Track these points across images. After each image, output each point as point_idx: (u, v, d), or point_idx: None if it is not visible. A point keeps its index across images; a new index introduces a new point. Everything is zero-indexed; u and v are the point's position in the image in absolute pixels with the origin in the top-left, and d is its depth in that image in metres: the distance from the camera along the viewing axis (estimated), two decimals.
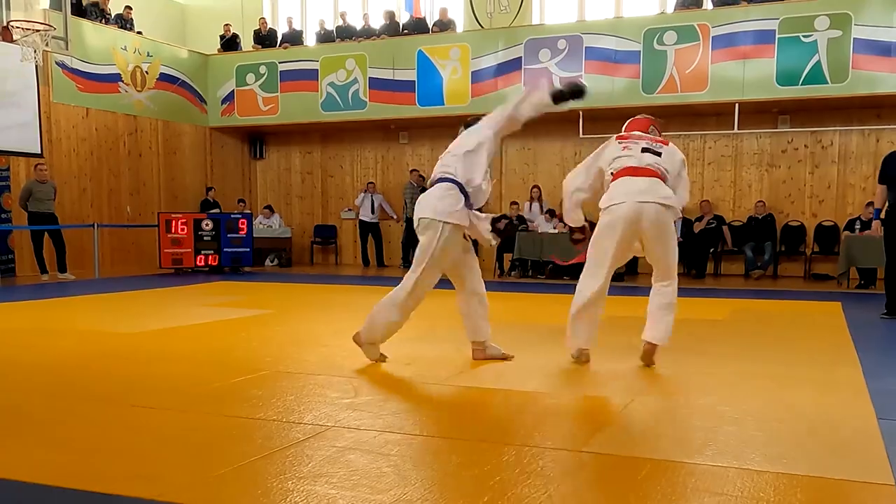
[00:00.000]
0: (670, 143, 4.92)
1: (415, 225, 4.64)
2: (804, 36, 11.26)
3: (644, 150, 4.75)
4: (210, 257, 12.77)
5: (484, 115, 4.94)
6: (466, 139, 4.71)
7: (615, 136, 5.02)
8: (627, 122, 5.24)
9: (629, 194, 4.54)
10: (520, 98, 4.77)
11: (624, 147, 4.81)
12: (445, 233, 4.44)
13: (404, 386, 4.25)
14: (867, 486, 2.63)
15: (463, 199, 4.47)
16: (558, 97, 4.73)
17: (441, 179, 4.56)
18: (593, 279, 4.66)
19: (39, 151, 12.27)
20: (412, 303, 4.59)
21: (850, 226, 11.46)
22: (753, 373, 4.57)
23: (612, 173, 4.75)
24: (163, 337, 6.00)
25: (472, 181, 4.50)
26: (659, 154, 4.75)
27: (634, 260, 13.10)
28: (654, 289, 4.76)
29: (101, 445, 3.07)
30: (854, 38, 11.01)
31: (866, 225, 11.10)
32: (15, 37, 9.31)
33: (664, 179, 4.66)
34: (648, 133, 4.98)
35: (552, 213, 12.88)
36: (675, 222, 4.82)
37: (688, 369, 4.70)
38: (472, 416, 3.61)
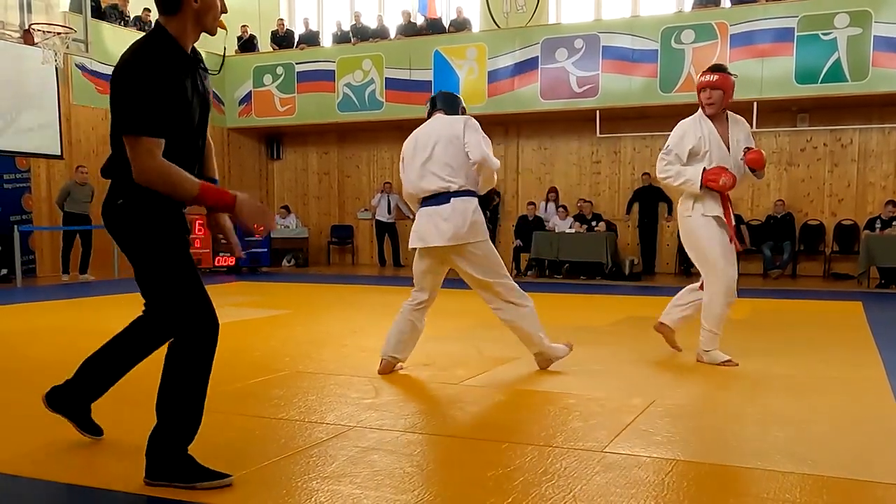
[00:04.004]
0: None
1: None
2: (823, 34, 11.17)
3: None
4: (228, 258, 12.84)
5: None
6: None
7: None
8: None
9: None
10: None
11: None
12: None
13: (424, 386, 4.26)
14: (894, 488, 2.61)
15: None
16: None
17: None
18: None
19: (60, 153, 12.39)
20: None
21: (870, 225, 11.35)
22: (775, 373, 4.55)
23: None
24: None
25: None
26: None
27: (652, 259, 13.13)
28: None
29: (126, 446, 3.09)
30: (874, 36, 10.91)
31: (886, 224, 11.01)
32: (36, 39, 9.39)
33: None
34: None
35: (566, 210, 12.88)
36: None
37: (708, 369, 4.68)
38: (494, 416, 3.61)
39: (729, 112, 4.85)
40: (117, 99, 2.53)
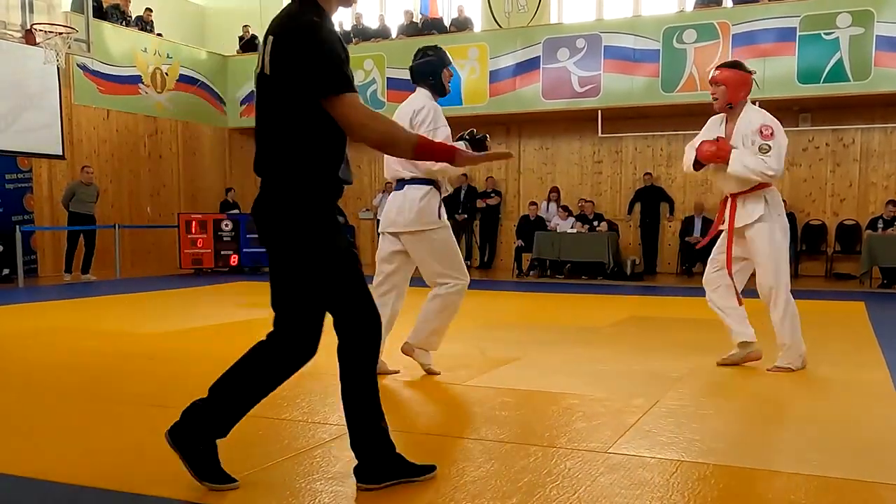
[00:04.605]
0: None
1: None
2: (826, 33, 11.16)
3: None
4: (230, 257, 12.84)
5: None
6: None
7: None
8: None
9: None
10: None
11: None
12: None
13: (427, 387, 4.25)
14: None
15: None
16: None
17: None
18: None
19: (61, 153, 12.39)
20: None
21: (872, 225, 11.34)
22: (778, 373, 4.54)
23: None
24: (184, 337, 6.03)
25: None
26: None
27: (654, 259, 13.09)
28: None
29: (128, 446, 3.09)
30: (876, 36, 10.90)
31: (889, 223, 10.99)
32: (37, 40, 9.40)
33: None
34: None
35: (568, 210, 12.87)
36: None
37: (712, 370, 4.67)
38: (497, 416, 3.61)
39: (752, 106, 4.74)
40: (300, 66, 2.40)
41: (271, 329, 2.64)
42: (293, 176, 2.49)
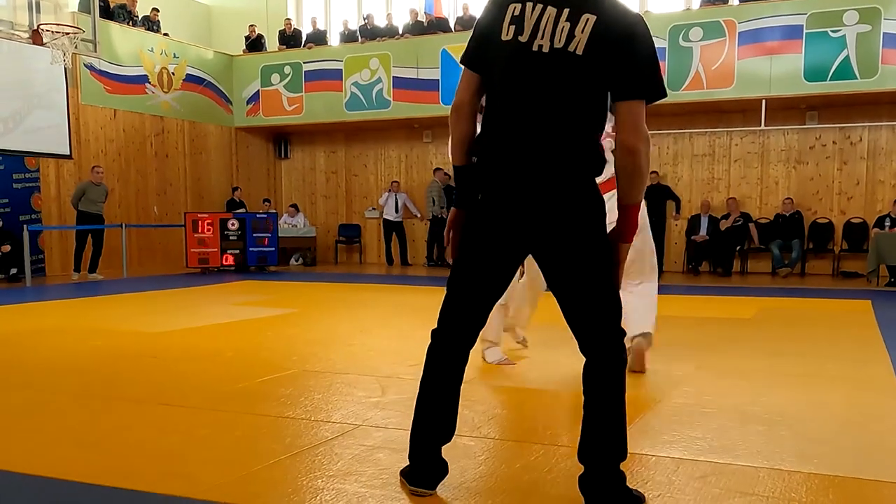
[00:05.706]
0: None
1: None
2: (832, 31, 11.12)
3: None
4: (236, 257, 12.88)
5: None
6: None
7: None
8: None
9: None
10: None
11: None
12: None
13: None
14: None
15: None
16: None
17: None
18: None
19: (68, 153, 12.45)
20: None
21: (879, 223, 11.31)
22: (782, 372, 4.53)
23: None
24: (190, 336, 6.06)
25: None
26: None
27: (660, 258, 13.07)
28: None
29: (133, 444, 3.11)
30: (883, 33, 10.85)
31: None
32: (44, 40, 9.44)
33: None
34: None
35: None
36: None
37: (716, 368, 4.66)
38: (499, 415, 3.62)
39: None
40: (633, 62, 2.31)
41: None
42: (591, 163, 2.38)
